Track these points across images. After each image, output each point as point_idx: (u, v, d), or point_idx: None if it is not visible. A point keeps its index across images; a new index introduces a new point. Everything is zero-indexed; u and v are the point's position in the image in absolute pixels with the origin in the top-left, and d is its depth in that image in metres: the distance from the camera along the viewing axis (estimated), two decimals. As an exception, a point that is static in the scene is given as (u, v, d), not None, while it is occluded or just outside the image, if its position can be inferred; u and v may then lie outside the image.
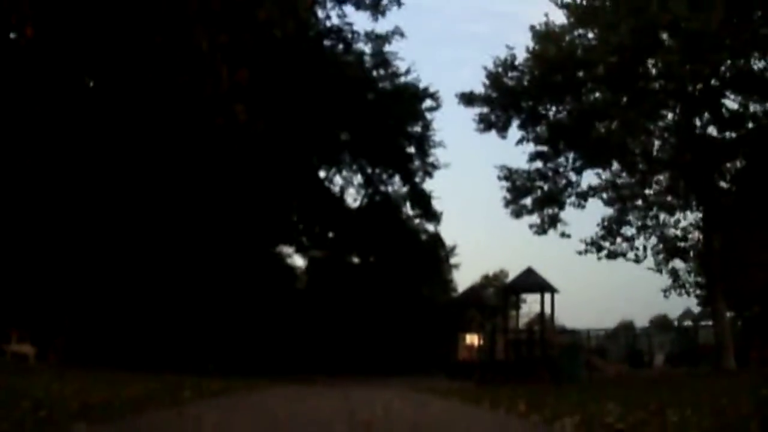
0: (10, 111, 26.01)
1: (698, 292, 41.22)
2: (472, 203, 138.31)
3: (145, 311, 36.27)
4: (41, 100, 26.49)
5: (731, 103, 33.98)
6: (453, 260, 57.58)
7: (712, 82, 32.81)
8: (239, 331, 40.34)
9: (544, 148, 37.10)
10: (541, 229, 37.66)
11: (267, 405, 13.47)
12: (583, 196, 37.52)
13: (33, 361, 26.71)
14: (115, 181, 33.12)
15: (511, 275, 47.61)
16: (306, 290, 50.40)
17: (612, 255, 37.53)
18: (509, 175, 37.33)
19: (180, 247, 37.03)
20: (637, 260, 37.71)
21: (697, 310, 48.20)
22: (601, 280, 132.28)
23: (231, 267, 39.78)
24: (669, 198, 37.76)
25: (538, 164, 37.35)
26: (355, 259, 53.11)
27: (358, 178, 52.57)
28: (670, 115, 35.74)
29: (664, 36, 31.94)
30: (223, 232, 38.83)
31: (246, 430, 8.28)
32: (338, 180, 52.44)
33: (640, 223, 37.95)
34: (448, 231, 73.68)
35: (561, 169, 37.43)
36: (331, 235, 52.56)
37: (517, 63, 35.68)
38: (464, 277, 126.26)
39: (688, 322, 51.09)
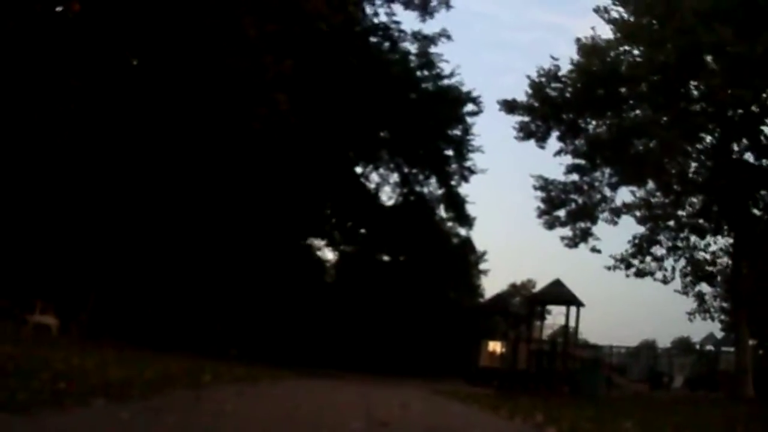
0: (52, 83, 26.16)
1: (722, 317, 41.01)
2: (505, 210, 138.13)
3: (172, 292, 36.48)
4: (84, 73, 26.61)
5: (771, 130, 33.74)
6: (482, 266, 57.49)
7: (753, 108, 32.49)
8: (263, 319, 40.52)
9: (582, 162, 36.98)
10: (572, 242, 37.57)
11: (285, 396, 13.52)
12: (617, 213, 37.43)
13: (55, 332, 26.82)
14: (153, 162, 33.25)
15: (539, 285, 47.45)
16: (334, 284, 50.54)
17: (640, 273, 37.34)
18: (545, 185, 37.25)
19: (212, 233, 37.20)
20: (665, 281, 37.49)
21: (720, 335, 47.86)
22: (626, 297, 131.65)
23: (260, 255, 39.97)
24: (701, 221, 37.45)
25: (574, 177, 37.27)
26: (385, 257, 53.13)
27: (394, 177, 52.51)
28: (708, 138, 35.46)
29: (709, 58, 31.67)
30: (256, 220, 39.00)
31: (263, 419, 8.30)
32: (374, 177, 52.51)
33: (670, 244, 37.68)
34: (480, 236, 73.46)
35: (596, 184, 37.35)
36: (363, 231, 52.75)
37: (560, 74, 35.58)
38: (492, 284, 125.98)
39: (709, 347, 50.70)
